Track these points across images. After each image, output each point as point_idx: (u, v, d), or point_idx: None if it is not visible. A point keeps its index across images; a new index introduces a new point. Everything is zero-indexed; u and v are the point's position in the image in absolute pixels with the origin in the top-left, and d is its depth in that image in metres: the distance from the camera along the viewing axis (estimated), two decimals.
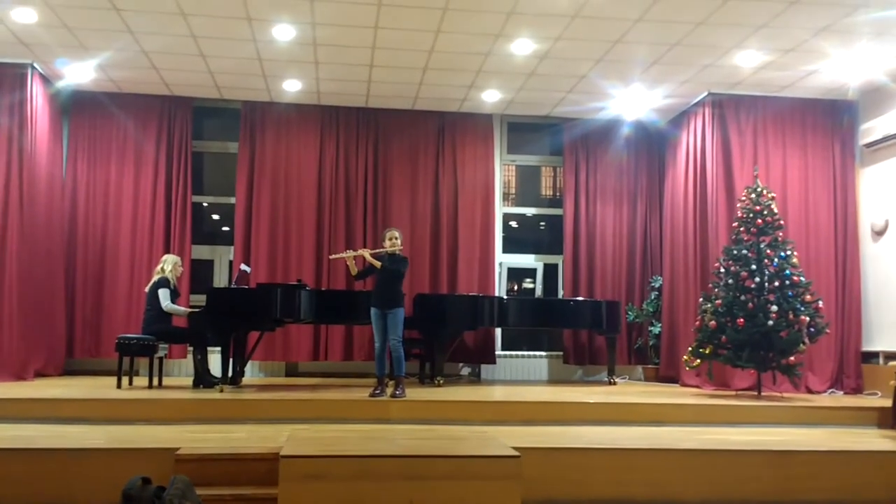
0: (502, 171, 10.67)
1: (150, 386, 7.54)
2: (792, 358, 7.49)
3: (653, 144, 10.60)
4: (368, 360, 9.30)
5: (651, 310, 10.18)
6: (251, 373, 9.34)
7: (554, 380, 10.20)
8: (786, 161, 9.18)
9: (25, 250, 8.43)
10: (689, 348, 8.08)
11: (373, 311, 7.13)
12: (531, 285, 10.65)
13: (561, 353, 10.28)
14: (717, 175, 9.06)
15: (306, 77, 9.06)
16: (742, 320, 7.54)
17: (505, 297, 9.80)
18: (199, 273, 9.97)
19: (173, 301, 7.72)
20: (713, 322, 7.72)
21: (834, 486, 4.92)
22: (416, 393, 7.29)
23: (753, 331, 7.49)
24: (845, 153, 9.29)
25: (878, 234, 8.94)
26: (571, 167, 10.45)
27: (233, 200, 9.96)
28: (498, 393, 8.00)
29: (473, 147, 10.33)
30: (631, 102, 9.68)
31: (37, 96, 8.74)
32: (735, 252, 7.93)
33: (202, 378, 7.68)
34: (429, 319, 8.58)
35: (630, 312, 10.19)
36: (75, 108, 9.65)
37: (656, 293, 10.20)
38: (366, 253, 7.28)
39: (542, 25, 7.54)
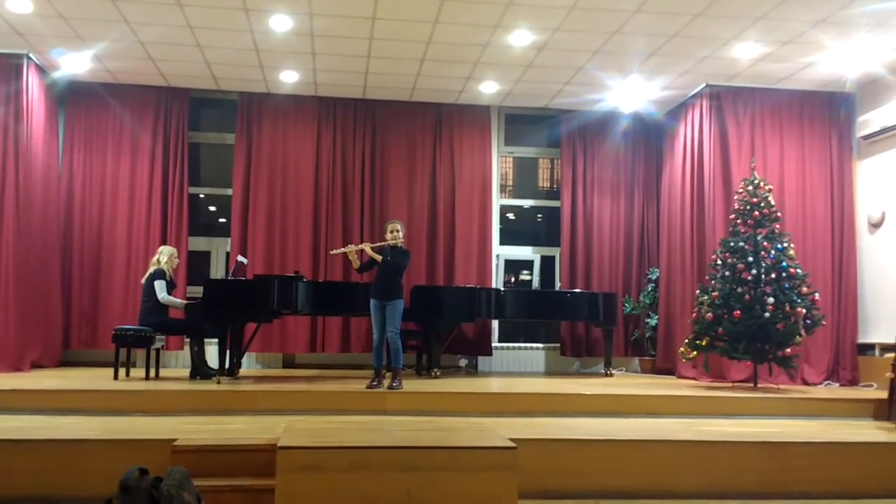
0: (499, 163, 10.65)
1: (147, 377, 7.53)
2: (788, 350, 7.51)
3: (650, 136, 10.59)
4: (365, 352, 9.32)
5: (648, 302, 10.19)
6: (248, 364, 9.35)
7: (551, 371, 10.21)
8: (783, 153, 9.18)
9: (21, 241, 8.41)
10: (686, 340, 8.09)
11: (372, 302, 7.12)
12: (528, 277, 10.65)
13: (558, 344, 10.30)
14: (715, 167, 9.06)
15: (303, 68, 9.03)
16: (738, 312, 7.55)
17: (502, 289, 9.80)
18: (196, 264, 9.96)
19: (169, 292, 7.71)
20: (710, 314, 7.74)
21: (829, 477, 4.94)
22: (412, 384, 7.30)
23: (750, 323, 7.51)
24: (842, 145, 9.29)
25: (875, 226, 8.95)
26: (569, 159, 10.44)
27: (229, 192, 9.94)
28: (495, 385, 8.01)
29: (471, 139, 10.32)
30: (629, 94, 9.66)
31: (32, 87, 8.71)
32: (732, 244, 7.93)
33: (199, 369, 7.68)
34: (426, 311, 8.58)
35: (627, 304, 10.20)
36: (71, 98, 9.62)
37: (653, 285, 10.21)
38: (366, 247, 7.26)
39: (540, 16, 7.51)
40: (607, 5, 7.24)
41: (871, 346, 8.84)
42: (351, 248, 7.40)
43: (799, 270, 7.76)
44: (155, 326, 7.59)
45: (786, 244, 7.86)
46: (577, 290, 9.88)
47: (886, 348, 8.50)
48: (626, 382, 8.48)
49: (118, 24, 7.76)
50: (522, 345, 10.38)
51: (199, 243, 10.08)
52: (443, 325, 8.63)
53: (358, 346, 9.71)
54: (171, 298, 7.73)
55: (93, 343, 9.36)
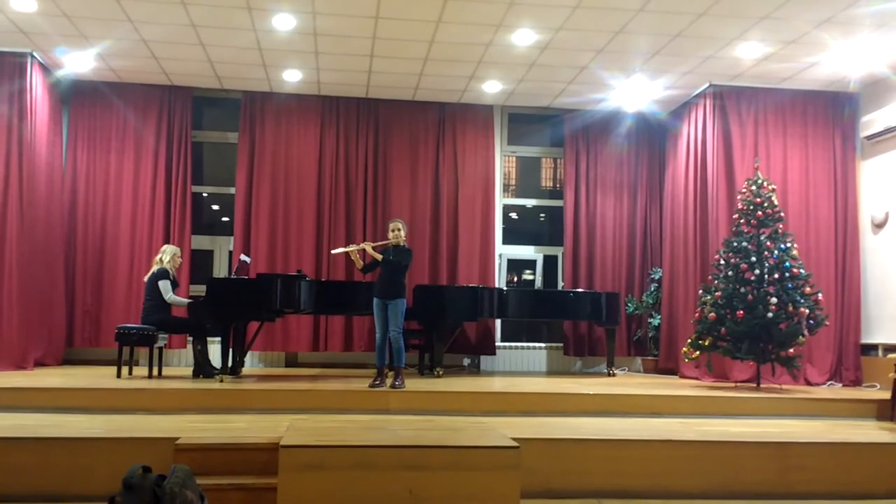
0: (503, 163, 10.65)
1: (150, 376, 7.55)
2: (791, 350, 7.51)
3: (653, 136, 10.58)
4: (368, 351, 9.33)
5: (651, 301, 10.18)
6: (251, 363, 9.36)
7: (553, 371, 10.21)
8: (786, 153, 9.17)
9: (25, 240, 8.43)
10: (689, 340, 8.09)
11: (375, 301, 7.13)
12: (531, 277, 10.65)
13: (560, 344, 10.29)
14: (718, 167, 9.05)
15: (306, 67, 9.03)
16: (741, 312, 7.55)
17: (505, 288, 9.80)
18: (199, 263, 9.97)
19: (172, 291, 7.72)
20: (713, 314, 7.73)
21: (832, 477, 4.94)
22: (415, 384, 7.30)
23: (753, 323, 7.50)
24: (846, 145, 9.28)
25: (879, 226, 8.93)
26: (572, 158, 10.44)
27: (233, 191, 9.95)
28: (497, 384, 8.01)
29: (474, 138, 10.31)
30: (632, 94, 9.66)
31: (36, 86, 8.72)
32: (735, 244, 7.93)
33: (202, 368, 7.69)
34: (428, 310, 8.59)
35: (630, 304, 10.19)
36: (75, 97, 9.63)
37: (656, 285, 10.20)
38: (367, 246, 7.26)
39: (543, 15, 7.51)
40: (610, 4, 7.23)
41: (874, 347, 8.83)
42: (352, 247, 7.41)
43: (802, 270, 7.75)
44: (158, 325, 7.60)
45: (789, 244, 7.85)
46: (580, 290, 9.88)
47: (889, 349, 8.49)
48: (629, 382, 8.48)
49: (122, 22, 7.77)
50: (525, 344, 10.38)
51: (202, 242, 10.09)
52: (445, 325, 8.63)
53: (360, 346, 9.72)
54: (177, 298, 7.74)
55: (96, 341, 9.38)
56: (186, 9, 7.46)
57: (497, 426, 5.10)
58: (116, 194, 9.58)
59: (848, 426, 6.20)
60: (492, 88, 9.69)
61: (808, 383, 8.56)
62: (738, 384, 8.18)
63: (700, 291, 8.18)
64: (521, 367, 10.23)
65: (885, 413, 6.70)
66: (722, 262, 8.00)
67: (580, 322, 10.01)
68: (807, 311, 7.52)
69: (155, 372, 7.66)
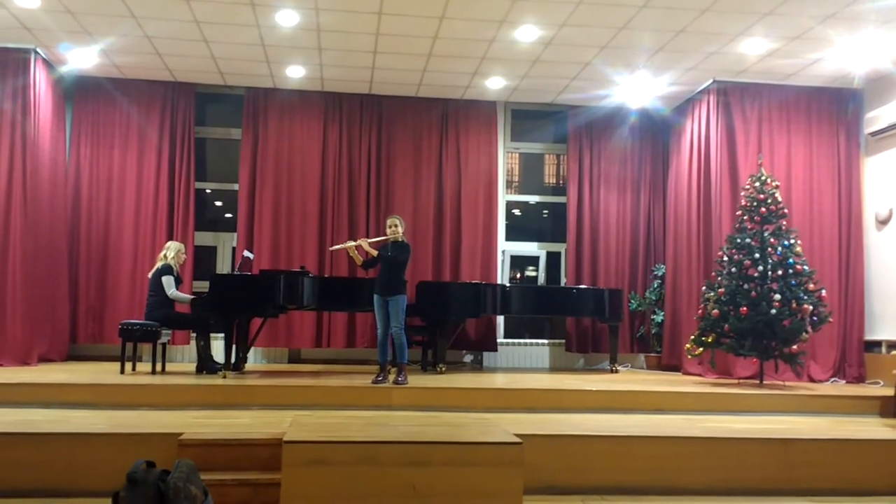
0: (506, 159, 10.64)
1: (154, 372, 7.57)
2: (794, 346, 7.49)
3: (657, 132, 10.56)
4: (371, 347, 9.33)
5: (654, 298, 10.18)
6: (254, 359, 9.38)
7: (556, 367, 10.21)
8: (790, 149, 9.15)
9: (29, 236, 8.44)
10: (692, 336, 8.08)
11: (375, 298, 7.14)
12: (534, 273, 10.65)
13: (563, 340, 10.29)
14: (722, 163, 9.03)
15: (310, 63, 9.03)
16: (745, 309, 7.53)
17: (507, 284, 9.80)
18: (202, 259, 9.99)
19: (175, 287, 7.73)
20: (716, 310, 7.72)
21: (835, 474, 4.94)
22: (418, 380, 7.30)
23: (756, 319, 7.48)
24: (850, 142, 9.26)
25: (882, 223, 8.91)
26: (575, 155, 10.43)
27: (236, 187, 9.96)
28: (500, 380, 8.01)
29: (477, 134, 10.30)
30: (635, 90, 9.64)
31: (40, 81, 8.73)
32: (738, 240, 7.92)
33: (205, 364, 7.71)
34: (431, 307, 8.58)
35: (633, 301, 10.19)
36: (78, 93, 9.64)
37: (659, 281, 10.19)
38: (363, 242, 7.26)
39: (546, 11, 7.50)
40: (614, 0, 7.21)
41: (877, 343, 8.82)
42: (349, 244, 7.41)
43: (806, 267, 7.73)
44: (161, 321, 7.61)
45: (793, 241, 7.84)
46: (583, 286, 9.86)
47: (893, 345, 8.49)
48: (632, 379, 8.47)
49: (125, 18, 7.78)
50: (527, 341, 10.38)
51: (205, 238, 10.10)
52: (448, 321, 8.63)
53: (363, 342, 9.73)
54: (180, 294, 7.74)
55: (100, 337, 9.41)
56: (190, 5, 7.46)
57: (500, 422, 5.10)
58: (120, 190, 9.60)
59: (851, 423, 6.19)
60: (495, 84, 9.68)
61: (812, 380, 8.55)
62: (742, 381, 8.18)
63: (703, 288, 8.17)
64: (523, 363, 10.23)
65: (888, 410, 6.69)
66: (725, 258, 7.99)
67: (583, 318, 10.00)
68: (810, 307, 7.51)
69: (158, 368, 7.68)
